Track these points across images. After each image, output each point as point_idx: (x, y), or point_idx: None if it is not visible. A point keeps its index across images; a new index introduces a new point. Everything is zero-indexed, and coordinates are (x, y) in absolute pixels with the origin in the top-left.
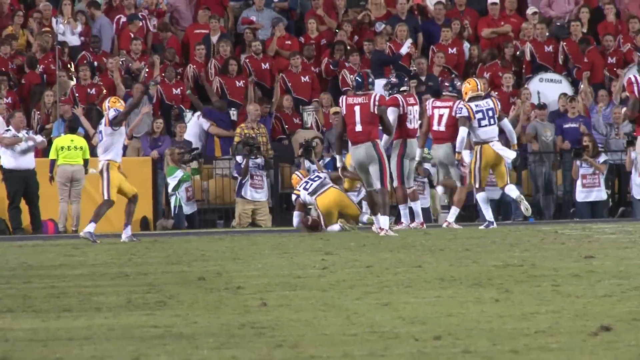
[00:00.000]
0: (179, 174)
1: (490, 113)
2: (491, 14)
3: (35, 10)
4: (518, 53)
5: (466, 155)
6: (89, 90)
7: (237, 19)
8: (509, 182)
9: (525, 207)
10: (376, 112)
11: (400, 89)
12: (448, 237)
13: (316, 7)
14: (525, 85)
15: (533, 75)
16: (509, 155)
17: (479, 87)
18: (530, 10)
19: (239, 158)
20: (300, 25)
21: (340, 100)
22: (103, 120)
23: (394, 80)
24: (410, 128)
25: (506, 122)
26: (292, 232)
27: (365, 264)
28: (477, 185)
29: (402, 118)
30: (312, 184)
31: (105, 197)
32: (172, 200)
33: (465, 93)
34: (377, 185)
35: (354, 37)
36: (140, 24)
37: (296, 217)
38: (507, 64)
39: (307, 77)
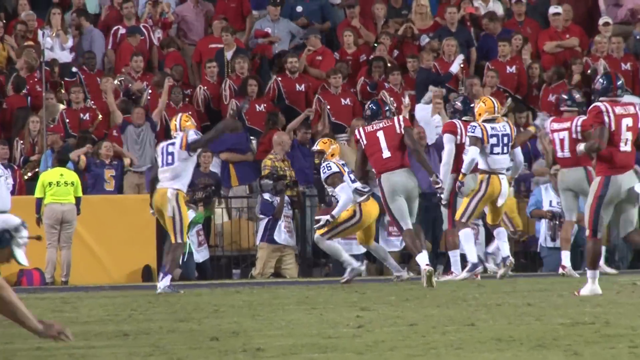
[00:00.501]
0: (190, 215)
1: (506, 140)
2: (553, 25)
3: (17, 20)
4: (589, 72)
5: (471, 181)
6: (81, 115)
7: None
8: (501, 224)
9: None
10: (403, 133)
11: (463, 118)
12: (506, 290)
13: (351, 17)
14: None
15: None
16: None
17: (495, 107)
18: (602, 21)
19: (266, 195)
20: (331, 39)
21: (356, 132)
22: (176, 142)
23: (458, 105)
24: None
25: (518, 152)
26: (321, 283)
27: (408, 322)
28: (464, 219)
29: (458, 149)
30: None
31: (179, 240)
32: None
33: (479, 114)
34: (409, 223)
35: (394, 52)
36: (142, 37)
37: None
38: (576, 85)
39: (347, 100)
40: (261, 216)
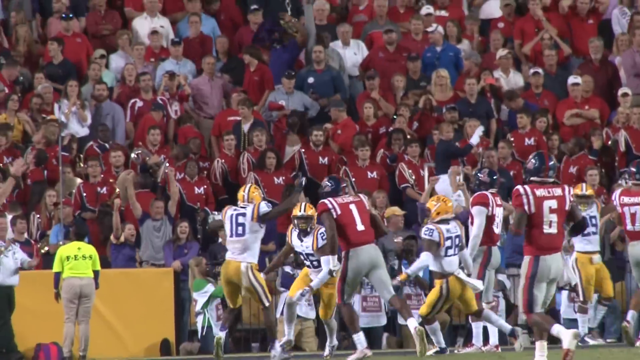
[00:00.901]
0: (210, 288)
1: (457, 241)
2: (572, 95)
3: (33, 94)
4: (609, 143)
5: (479, 284)
6: (99, 189)
7: None
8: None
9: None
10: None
11: (489, 190)
12: None
13: (371, 88)
14: (619, 181)
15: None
16: (477, 286)
17: (453, 207)
18: (621, 91)
19: (287, 268)
20: (350, 108)
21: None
22: (247, 213)
23: (483, 177)
24: (496, 233)
25: (465, 254)
26: (340, 356)
27: None
28: (427, 316)
29: (488, 220)
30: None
31: (267, 304)
32: (199, 319)
33: (438, 213)
34: (390, 294)
35: (414, 124)
36: (161, 112)
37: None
38: (596, 156)
39: (374, 173)
40: (282, 289)
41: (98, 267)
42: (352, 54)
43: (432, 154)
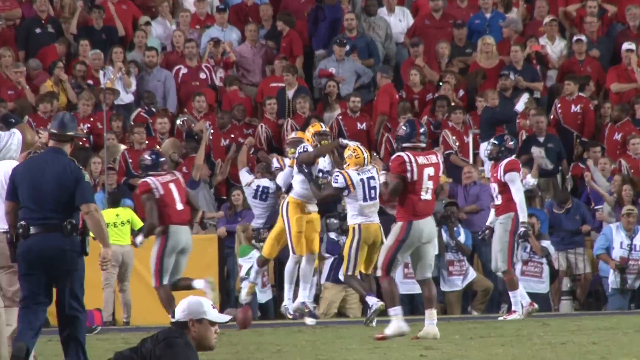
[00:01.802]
0: (255, 254)
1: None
2: (625, 62)
3: (77, 60)
4: None
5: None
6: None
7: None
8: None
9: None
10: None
11: (512, 156)
12: (571, 329)
13: (415, 55)
14: None
15: None
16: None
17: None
18: None
19: (332, 234)
20: (396, 76)
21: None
22: (375, 175)
23: (510, 144)
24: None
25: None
26: (385, 323)
27: None
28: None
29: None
30: None
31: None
32: (244, 285)
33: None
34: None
35: (460, 91)
36: (204, 76)
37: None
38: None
39: None
40: (327, 255)
41: (140, 225)
42: (397, 21)
43: (475, 120)
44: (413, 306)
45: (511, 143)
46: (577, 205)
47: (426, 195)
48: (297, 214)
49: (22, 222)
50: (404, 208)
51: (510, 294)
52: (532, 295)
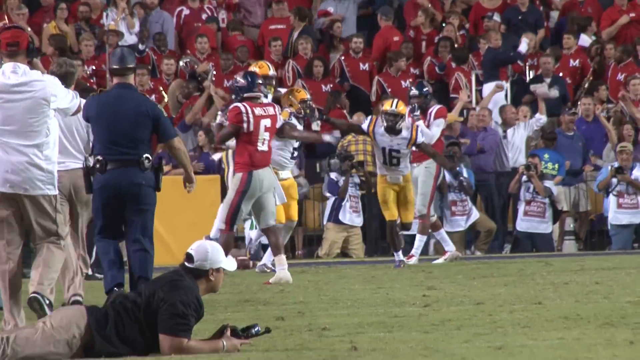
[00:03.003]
0: None
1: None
2: (618, 3)
3: (81, 2)
4: None
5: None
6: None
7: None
8: None
9: None
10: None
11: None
12: (574, 269)
13: None
14: None
15: None
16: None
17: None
18: None
19: (333, 175)
20: (398, 16)
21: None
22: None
23: (431, 89)
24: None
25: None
26: (388, 263)
27: (475, 301)
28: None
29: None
30: None
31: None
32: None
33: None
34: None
35: (461, 31)
36: (206, 17)
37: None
38: None
39: (407, 82)
40: (328, 195)
41: None
42: None
43: (478, 61)
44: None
45: (430, 89)
46: (578, 136)
47: (263, 147)
48: None
49: (99, 157)
50: (242, 159)
51: (419, 236)
52: (535, 235)
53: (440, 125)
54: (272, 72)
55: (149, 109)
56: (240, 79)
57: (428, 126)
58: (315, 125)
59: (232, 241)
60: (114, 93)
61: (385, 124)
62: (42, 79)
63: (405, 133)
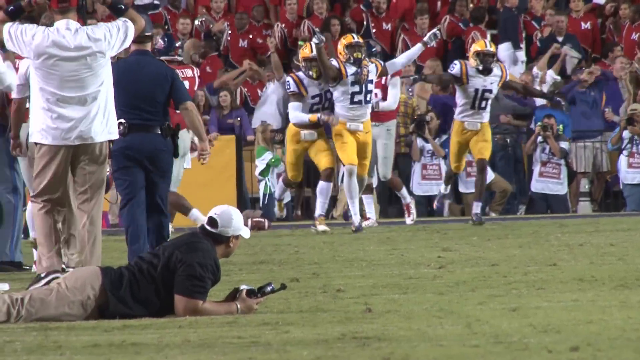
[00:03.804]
0: (267, 156)
1: None
2: None
3: None
4: None
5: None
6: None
7: None
8: None
9: None
10: None
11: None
12: (589, 230)
13: None
14: None
15: None
16: None
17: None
18: None
19: None
20: None
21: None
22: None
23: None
24: None
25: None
26: (401, 224)
27: (490, 262)
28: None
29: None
30: None
31: None
32: (261, 187)
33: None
34: None
35: None
36: None
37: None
38: None
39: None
40: None
41: None
42: None
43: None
44: (431, 207)
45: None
46: (593, 96)
47: None
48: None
49: (122, 121)
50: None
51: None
52: (550, 197)
53: (396, 84)
54: (355, 39)
55: (167, 72)
56: (159, 40)
57: (383, 84)
58: (316, 39)
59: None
60: (132, 59)
61: (480, 65)
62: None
63: (497, 71)
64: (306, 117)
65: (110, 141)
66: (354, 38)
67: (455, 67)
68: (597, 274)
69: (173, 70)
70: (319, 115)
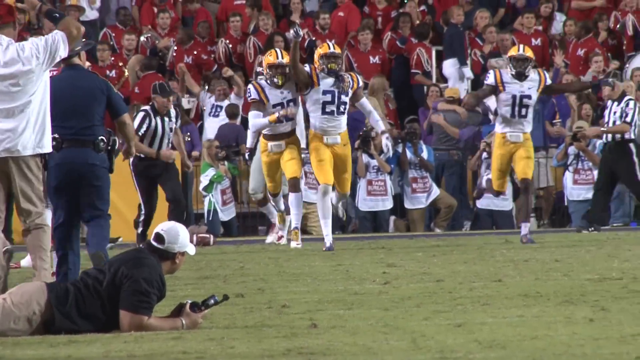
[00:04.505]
0: (211, 172)
1: None
2: None
3: None
4: (617, 27)
5: None
6: (107, 72)
7: None
8: None
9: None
10: None
11: None
12: (533, 246)
13: None
14: (628, 65)
15: (636, 52)
16: None
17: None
18: None
19: None
20: None
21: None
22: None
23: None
24: None
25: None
26: (348, 240)
27: (435, 278)
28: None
29: None
30: None
31: None
32: (206, 202)
33: None
34: None
35: (421, 7)
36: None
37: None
38: (604, 40)
39: (376, 58)
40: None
41: None
42: None
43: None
44: (377, 223)
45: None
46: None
47: None
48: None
49: (56, 136)
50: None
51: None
52: (495, 212)
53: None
54: (331, 49)
55: (102, 85)
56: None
57: None
58: (294, 34)
59: None
60: (64, 75)
61: (514, 71)
62: None
63: (534, 76)
64: (265, 119)
65: (44, 155)
66: (329, 48)
67: (490, 76)
68: (542, 289)
69: (107, 82)
70: (277, 114)
